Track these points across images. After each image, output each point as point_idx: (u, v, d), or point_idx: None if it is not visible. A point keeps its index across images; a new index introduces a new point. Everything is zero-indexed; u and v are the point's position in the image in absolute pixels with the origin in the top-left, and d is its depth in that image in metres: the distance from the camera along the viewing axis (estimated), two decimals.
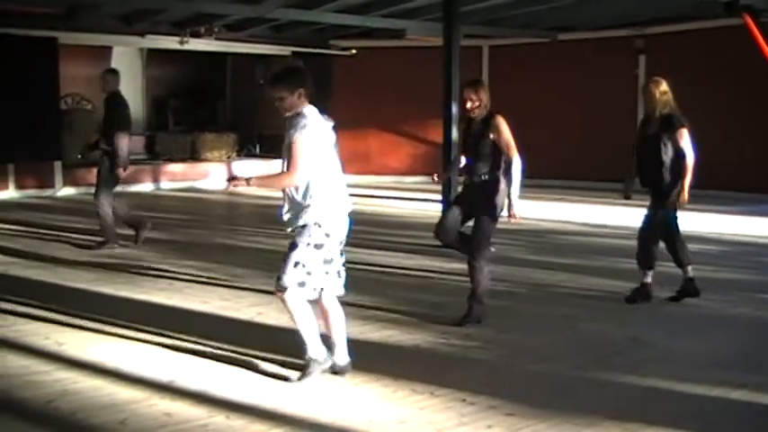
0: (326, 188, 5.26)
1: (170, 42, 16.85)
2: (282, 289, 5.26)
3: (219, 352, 6.00)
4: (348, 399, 5.09)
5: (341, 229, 5.36)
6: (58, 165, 16.06)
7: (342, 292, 5.48)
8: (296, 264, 5.25)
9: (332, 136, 5.40)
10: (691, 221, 12.60)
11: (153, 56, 19.61)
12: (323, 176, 5.24)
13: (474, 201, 6.88)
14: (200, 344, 6.18)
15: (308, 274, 5.25)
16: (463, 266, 8.88)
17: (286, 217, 5.36)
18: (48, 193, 15.69)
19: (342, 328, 5.51)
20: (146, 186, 17.54)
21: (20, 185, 15.63)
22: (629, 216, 13.01)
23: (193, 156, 18.79)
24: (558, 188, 16.22)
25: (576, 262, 9.45)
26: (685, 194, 7.37)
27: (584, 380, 5.54)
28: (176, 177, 17.91)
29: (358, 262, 9.32)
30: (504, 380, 5.53)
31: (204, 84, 20.68)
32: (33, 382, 5.32)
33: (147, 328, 6.57)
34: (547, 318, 7.17)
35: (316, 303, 5.45)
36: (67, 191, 16.11)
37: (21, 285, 8.20)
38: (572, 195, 15.79)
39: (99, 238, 10.15)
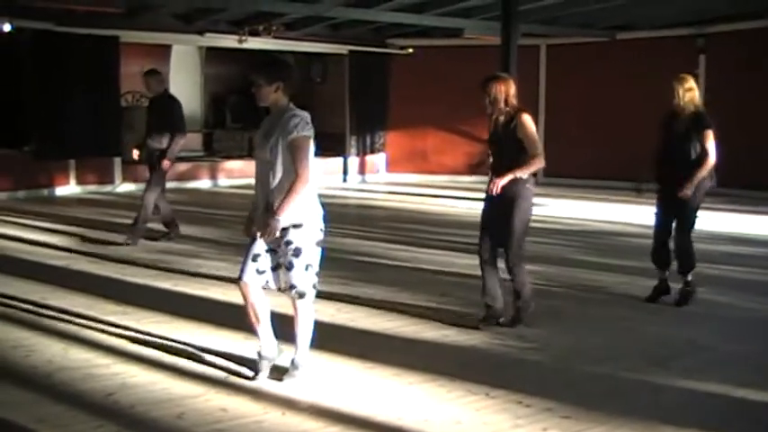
0: (314, 186, 5.35)
1: (229, 41, 16.99)
2: (303, 296, 5.31)
3: None
4: (403, 398, 5.09)
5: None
6: (117, 161, 16.28)
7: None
8: (307, 267, 5.31)
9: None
10: (748, 224, 12.47)
11: (211, 54, 19.80)
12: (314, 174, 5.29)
13: (500, 206, 6.54)
14: (254, 340, 6.22)
15: (316, 274, 5.38)
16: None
17: None
18: (107, 188, 15.92)
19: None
20: (203, 183, 17.72)
21: (80, 181, 15.88)
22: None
23: (250, 153, 18.89)
24: (615, 189, 16.01)
25: (631, 263, 9.33)
26: (688, 190, 7.29)
27: (641, 383, 5.48)
28: (233, 174, 18.05)
29: (415, 261, 9.35)
30: (559, 382, 5.49)
31: None
32: (93, 375, 5.41)
33: (203, 324, 6.64)
34: (602, 319, 7.11)
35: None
36: (126, 187, 16.32)
37: (82, 279, 8.34)
38: (630, 197, 15.56)
39: (163, 230, 10.45)
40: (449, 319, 6.89)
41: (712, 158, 7.28)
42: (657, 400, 5.16)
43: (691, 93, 7.42)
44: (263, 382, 5.30)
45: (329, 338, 6.25)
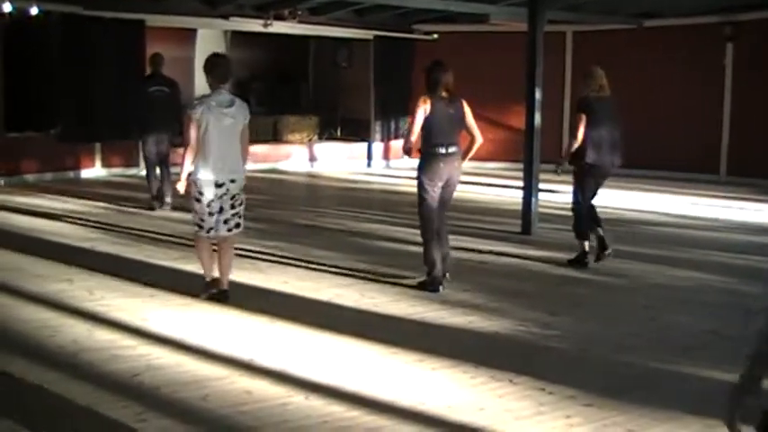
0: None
1: (254, 25, 16.98)
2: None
3: (299, 332, 6.08)
4: (427, 384, 5.10)
5: None
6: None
7: None
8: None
9: None
10: None
11: (236, 38, 19.78)
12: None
13: None
14: (279, 323, 6.26)
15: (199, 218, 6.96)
16: (543, 254, 8.90)
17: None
18: (132, 171, 15.95)
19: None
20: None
21: (106, 164, 15.94)
22: (715, 207, 12.84)
23: (275, 137, 18.93)
24: (639, 177, 15.92)
25: (659, 253, 9.29)
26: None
27: (664, 372, 5.47)
28: (258, 159, 18.02)
29: None
30: (583, 369, 5.48)
31: (287, 66, 20.80)
32: (119, 356, 5.46)
33: (227, 306, 6.68)
34: (628, 308, 7.08)
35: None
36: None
37: (107, 261, 8.39)
38: (654, 185, 15.49)
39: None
40: (474, 305, 6.90)
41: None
42: (681, 390, 5.15)
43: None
44: (288, 365, 5.31)
45: (353, 323, 6.30)
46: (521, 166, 10.84)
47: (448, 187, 7.42)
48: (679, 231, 10.88)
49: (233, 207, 6.89)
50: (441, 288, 7.31)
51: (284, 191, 15.29)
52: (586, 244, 8.42)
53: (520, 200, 10.61)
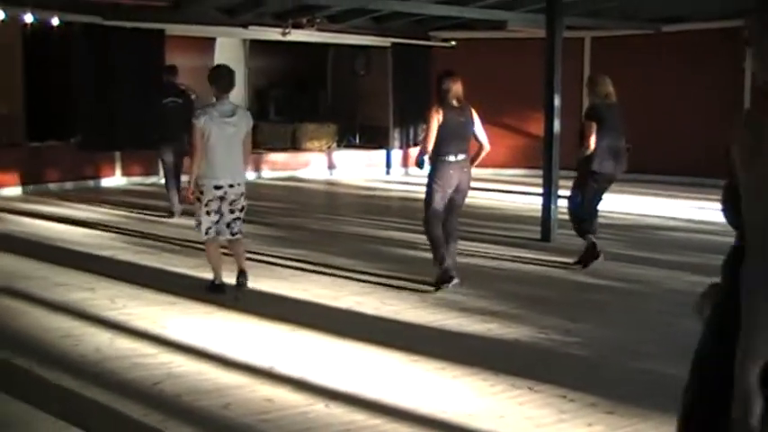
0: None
1: (272, 34, 17.05)
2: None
3: (319, 340, 6.09)
4: (447, 391, 5.10)
5: None
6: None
7: None
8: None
9: None
10: None
11: (255, 47, 19.86)
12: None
13: None
14: (300, 331, 6.28)
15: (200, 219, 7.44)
16: (562, 260, 8.87)
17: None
18: (152, 180, 16.04)
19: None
20: (247, 175, 17.78)
21: (126, 172, 16.05)
22: None
23: (294, 145, 18.98)
24: (657, 183, 15.88)
25: (675, 258, 9.26)
26: None
27: (685, 379, 5.43)
28: (277, 166, 18.14)
29: (459, 254, 9.31)
30: (604, 377, 5.46)
31: (305, 74, 20.86)
32: (140, 364, 5.49)
33: (248, 315, 6.71)
34: (646, 314, 7.06)
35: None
36: None
37: (128, 269, 8.45)
38: (671, 190, 15.43)
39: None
40: (493, 312, 6.90)
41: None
42: None
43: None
44: (309, 372, 5.33)
45: (374, 331, 6.30)
46: (539, 172, 10.83)
47: (458, 193, 7.66)
48: (699, 237, 10.80)
49: (232, 212, 7.39)
50: (454, 279, 7.52)
51: (303, 198, 15.33)
52: (591, 237, 8.54)
53: (539, 206, 10.60)
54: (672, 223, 11.89)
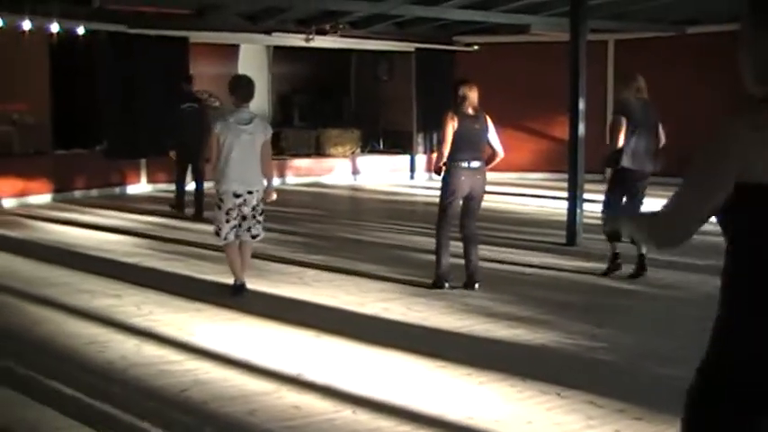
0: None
1: (296, 40, 17.08)
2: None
3: (346, 346, 6.08)
4: (474, 397, 5.07)
5: None
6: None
7: None
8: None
9: None
10: None
11: (278, 53, 19.91)
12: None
13: None
14: (327, 338, 6.27)
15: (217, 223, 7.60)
16: (588, 265, 8.82)
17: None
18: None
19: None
20: (274, 182, 17.81)
21: (151, 179, 16.12)
22: None
23: (318, 151, 19.00)
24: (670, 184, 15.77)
25: (706, 262, 9.14)
26: None
27: None
28: (301, 172, 18.17)
29: (484, 259, 9.28)
30: (631, 382, 5.41)
31: (328, 80, 20.88)
32: (167, 371, 5.50)
33: (274, 321, 6.70)
34: (676, 319, 6.98)
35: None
36: (194, 184, 16.48)
37: (154, 276, 8.49)
38: None
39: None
40: (520, 317, 6.87)
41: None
42: None
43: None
44: (336, 379, 5.31)
45: (401, 336, 6.29)
46: (563, 176, 10.78)
47: (472, 200, 7.75)
48: (719, 240, 10.69)
49: (254, 217, 7.53)
50: (446, 285, 7.76)
51: (328, 204, 15.33)
52: (616, 245, 8.38)
53: (563, 210, 10.55)
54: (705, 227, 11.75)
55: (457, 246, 7.92)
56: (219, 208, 7.42)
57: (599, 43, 17.14)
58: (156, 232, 11.15)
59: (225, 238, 7.46)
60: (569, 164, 10.38)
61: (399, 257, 9.58)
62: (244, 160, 7.34)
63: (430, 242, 10.31)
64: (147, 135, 15.31)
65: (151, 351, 5.93)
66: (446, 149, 7.52)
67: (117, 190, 15.60)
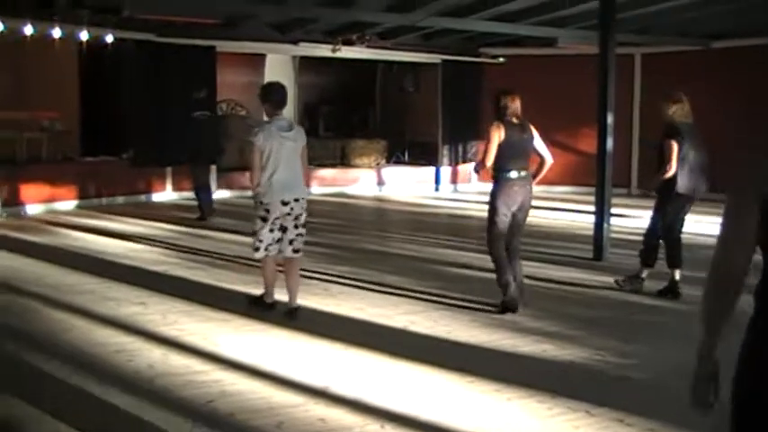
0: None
1: (322, 50, 17.13)
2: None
3: (373, 359, 6.04)
4: (503, 414, 5.02)
5: None
6: (213, 168, 16.50)
7: None
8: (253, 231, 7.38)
9: None
10: None
11: (305, 63, 19.96)
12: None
13: None
14: (353, 350, 6.24)
15: (258, 239, 7.32)
16: (610, 279, 8.73)
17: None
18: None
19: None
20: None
21: (177, 187, 16.18)
22: None
23: (343, 161, 19.02)
24: (710, 201, 15.62)
25: None
26: None
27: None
28: (326, 182, 18.18)
29: None
30: (661, 400, 5.34)
31: (354, 90, 20.92)
32: (194, 381, 5.48)
33: (300, 332, 6.68)
34: None
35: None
36: (222, 194, 16.58)
37: (180, 285, 8.48)
38: (720, 208, 15.14)
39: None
40: (547, 333, 6.81)
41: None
42: None
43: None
44: (363, 392, 5.28)
45: (428, 351, 6.24)
46: (589, 189, 10.72)
47: (520, 212, 7.51)
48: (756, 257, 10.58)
49: (296, 227, 7.25)
50: (517, 309, 7.35)
51: (353, 215, 15.32)
52: (645, 270, 8.36)
53: (590, 224, 10.49)
54: None
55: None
56: (264, 220, 7.14)
57: (625, 57, 17.06)
58: (181, 241, 11.18)
59: (266, 250, 7.21)
60: (597, 178, 10.32)
61: (425, 270, 9.54)
62: (289, 168, 7.13)
63: (456, 255, 10.35)
64: (174, 143, 15.36)
65: (177, 361, 5.92)
66: (489, 160, 7.35)
67: (143, 197, 15.68)
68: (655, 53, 18.00)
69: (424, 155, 19.56)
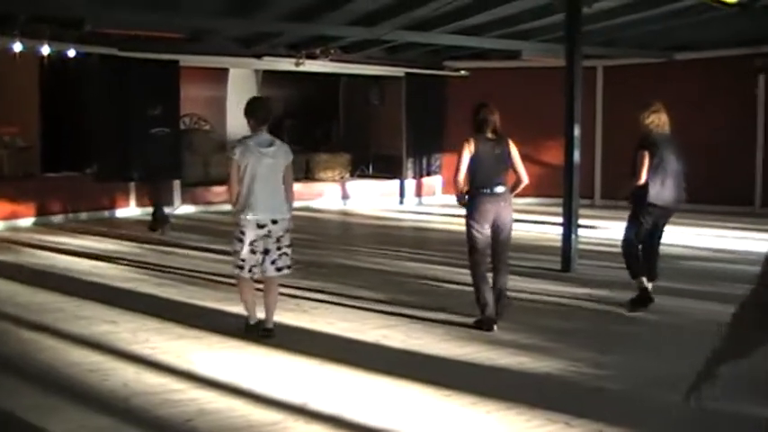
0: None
1: (286, 64, 17.10)
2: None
3: (349, 375, 6.02)
4: (483, 427, 5.02)
5: None
6: (177, 183, 16.42)
7: None
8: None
9: None
10: None
11: (268, 77, 19.95)
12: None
13: None
14: (329, 366, 6.21)
15: (239, 257, 7.02)
16: (586, 291, 8.80)
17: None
18: (167, 210, 15.99)
19: None
20: None
21: (140, 203, 16.02)
22: (748, 241, 12.70)
23: (307, 175, 18.98)
24: (687, 211, 15.77)
25: (703, 288, 9.17)
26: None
27: (726, 413, 5.33)
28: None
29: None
30: (640, 411, 5.37)
31: (318, 104, 20.93)
32: (170, 400, 5.42)
33: (274, 349, 6.63)
34: (679, 346, 6.94)
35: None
36: (186, 209, 16.48)
37: (149, 302, 8.40)
38: (688, 218, 15.29)
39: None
40: (522, 345, 6.83)
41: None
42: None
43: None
44: (342, 408, 5.25)
45: (403, 365, 6.23)
46: (553, 201, 10.79)
47: (498, 228, 7.37)
48: (721, 266, 10.72)
49: (279, 249, 6.96)
50: (494, 328, 7.25)
51: (319, 229, 15.26)
52: (644, 280, 8.10)
53: (556, 236, 10.56)
54: (692, 252, 11.77)
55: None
56: (241, 240, 6.85)
57: (588, 69, 17.19)
58: (147, 257, 11.07)
59: (249, 271, 6.95)
60: (565, 189, 10.38)
61: (394, 283, 9.53)
62: (267, 186, 6.84)
63: (422, 268, 10.37)
64: (137, 158, 15.23)
65: (153, 379, 5.85)
66: (460, 176, 7.25)
67: (106, 213, 15.52)
68: (617, 65, 18.19)
69: (388, 168, 19.58)
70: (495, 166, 7.32)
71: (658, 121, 8.10)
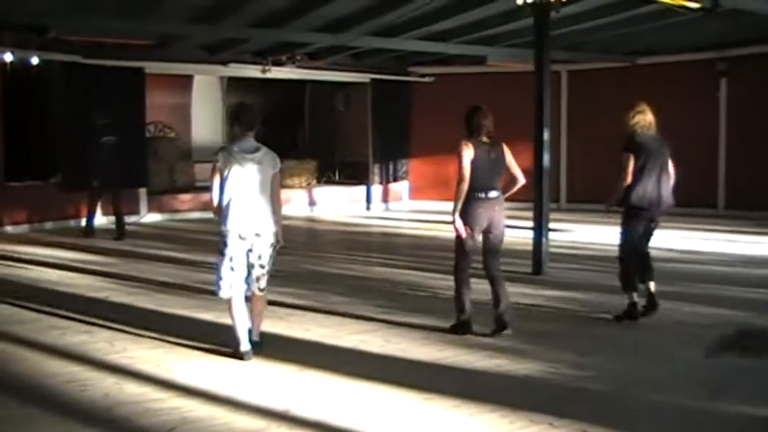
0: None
1: (252, 71, 17.06)
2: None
3: (330, 380, 6.01)
4: (466, 429, 5.05)
5: None
6: (143, 192, 16.31)
7: None
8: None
9: None
10: None
11: (233, 83, 19.90)
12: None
13: None
14: (309, 372, 6.20)
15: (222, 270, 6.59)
16: (558, 294, 8.87)
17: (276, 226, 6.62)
18: (132, 219, 15.88)
19: None
20: None
21: (106, 211, 15.83)
22: (718, 242, 12.88)
23: None
24: (676, 214, 15.94)
25: (674, 289, 9.24)
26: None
27: (703, 411, 5.41)
28: None
29: (448, 289, 9.26)
30: (621, 410, 5.43)
31: (284, 111, 20.86)
32: (152, 409, 5.37)
33: (254, 356, 6.59)
34: (655, 346, 7.04)
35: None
36: (153, 217, 16.38)
37: (122, 311, 8.31)
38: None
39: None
40: (499, 348, 6.86)
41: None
42: (722, 429, 5.11)
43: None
44: (325, 414, 5.24)
45: (383, 370, 6.24)
46: (519, 205, 10.79)
47: (491, 233, 7.30)
48: (689, 267, 10.85)
49: (262, 267, 6.57)
50: (470, 332, 7.23)
51: (287, 236, 14.96)
52: (634, 295, 7.84)
53: (526, 239, 10.60)
54: (661, 254, 11.83)
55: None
56: (222, 254, 6.44)
57: (553, 74, 17.32)
58: (116, 266, 10.96)
59: (230, 288, 6.47)
60: (535, 193, 10.43)
61: (365, 288, 9.54)
62: (250, 195, 6.41)
63: (392, 273, 10.41)
64: (97, 167, 15.07)
65: (133, 389, 5.79)
66: (465, 182, 7.04)
67: (72, 222, 15.35)
68: (581, 70, 18.35)
69: (355, 174, 19.58)
70: (490, 170, 7.18)
71: (644, 121, 7.94)
